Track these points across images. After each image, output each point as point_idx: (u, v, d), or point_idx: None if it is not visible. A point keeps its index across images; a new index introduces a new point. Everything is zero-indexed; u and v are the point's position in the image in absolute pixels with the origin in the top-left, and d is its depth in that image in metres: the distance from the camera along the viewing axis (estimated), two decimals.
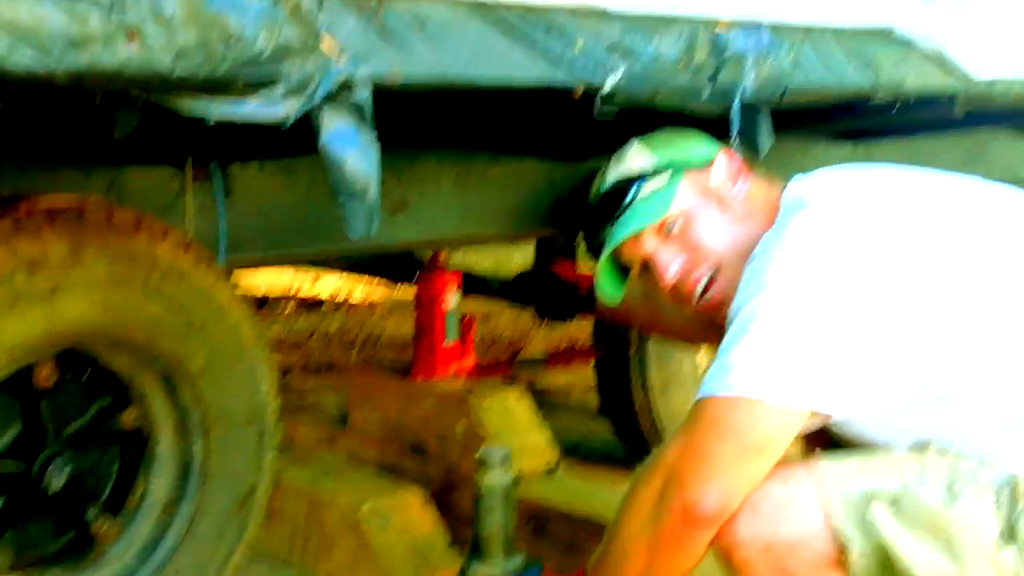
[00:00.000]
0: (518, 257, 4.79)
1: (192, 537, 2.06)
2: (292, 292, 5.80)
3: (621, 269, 1.97)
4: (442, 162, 2.76)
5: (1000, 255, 1.70)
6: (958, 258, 1.68)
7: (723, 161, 1.91)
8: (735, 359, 1.60)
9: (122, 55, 1.13)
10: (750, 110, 1.95)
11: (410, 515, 2.55)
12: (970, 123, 3.19)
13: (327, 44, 1.28)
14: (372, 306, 5.63)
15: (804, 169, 3.95)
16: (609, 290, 1.95)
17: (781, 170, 3.69)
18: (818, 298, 1.60)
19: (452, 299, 2.96)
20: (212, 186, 2.27)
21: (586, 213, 2.00)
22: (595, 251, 1.98)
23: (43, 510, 1.95)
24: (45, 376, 1.89)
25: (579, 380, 4.29)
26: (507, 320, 5.28)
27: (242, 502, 2.12)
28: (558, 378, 4.34)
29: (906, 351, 1.64)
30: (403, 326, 5.12)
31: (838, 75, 2.09)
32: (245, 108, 1.26)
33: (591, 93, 1.69)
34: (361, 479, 2.69)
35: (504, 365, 4.12)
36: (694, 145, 1.95)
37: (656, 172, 1.89)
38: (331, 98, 1.31)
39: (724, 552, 1.66)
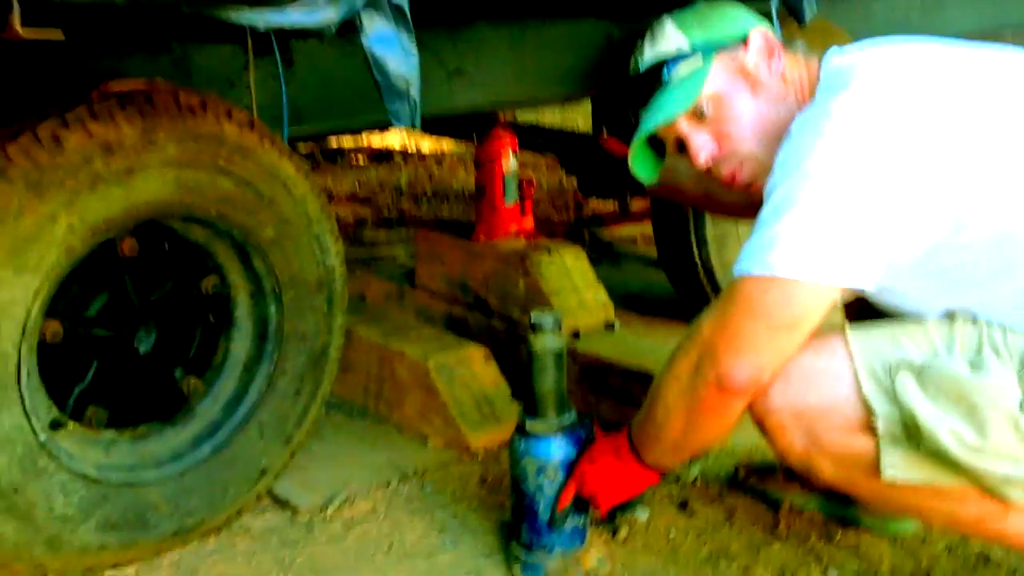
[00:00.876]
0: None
1: (272, 393, 2.24)
2: (363, 144, 5.90)
3: (658, 147, 2.00)
4: (497, 26, 2.78)
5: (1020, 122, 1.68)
6: (994, 135, 1.67)
7: (756, 40, 1.88)
8: (769, 238, 1.64)
9: None
10: None
11: (474, 369, 2.69)
12: None
13: None
14: (440, 158, 5.71)
15: (871, 13, 3.89)
16: (644, 171, 1.99)
17: (850, 14, 3.64)
18: (850, 178, 1.62)
19: (511, 161, 3.02)
20: (274, 60, 2.35)
21: (623, 91, 2.00)
22: (632, 129, 2.01)
23: (134, 372, 2.14)
24: (128, 248, 2.03)
25: (644, 230, 4.36)
26: None
27: (316, 360, 2.28)
28: (623, 229, 4.42)
29: (939, 226, 1.66)
30: (471, 177, 5.21)
31: None
32: (291, 16, 1.33)
33: None
34: (428, 335, 2.83)
35: (563, 225, 4.20)
36: (729, 21, 1.91)
37: (689, 53, 1.88)
38: (371, 3, 1.38)
39: (759, 418, 1.75)
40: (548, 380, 2.05)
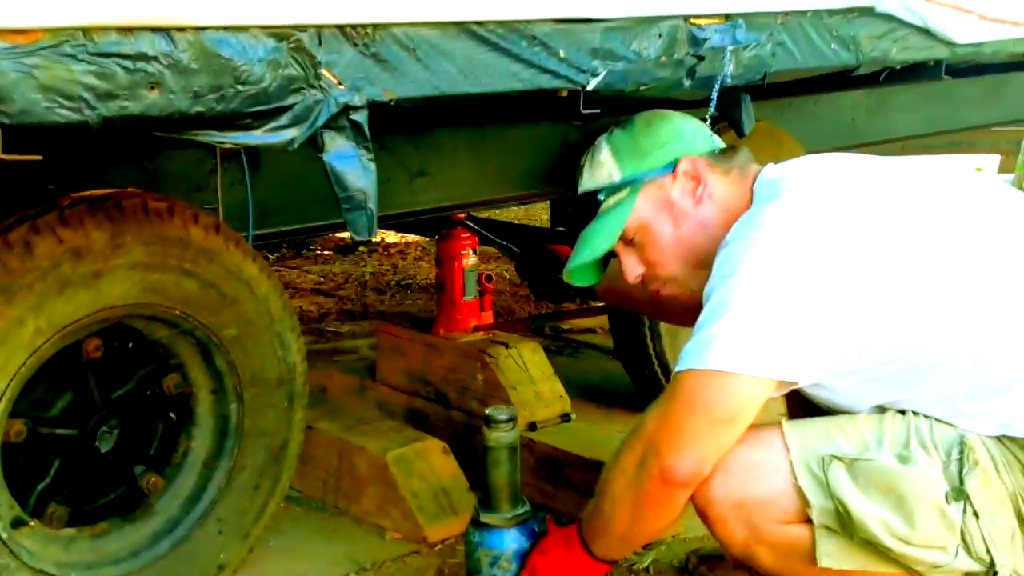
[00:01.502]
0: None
1: (231, 489, 2.28)
2: (329, 236, 5.98)
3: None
4: (457, 129, 2.90)
5: (960, 236, 1.82)
6: (914, 241, 1.79)
7: (683, 169, 1.98)
8: (706, 338, 1.74)
9: (146, 102, 1.30)
10: (733, 94, 2.07)
11: (432, 462, 2.74)
12: (986, 67, 3.25)
13: (326, 76, 1.44)
14: (405, 250, 5.81)
15: (817, 117, 4.04)
16: (582, 279, 2.15)
17: (797, 118, 3.80)
18: (781, 282, 1.73)
19: (471, 258, 3.12)
20: (240, 164, 2.44)
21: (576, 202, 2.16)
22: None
23: (95, 470, 2.17)
24: (92, 349, 2.08)
25: (603, 321, 4.45)
26: None
27: (275, 456, 2.33)
28: (583, 320, 4.50)
29: (869, 325, 1.75)
30: (435, 271, 5.31)
31: (819, 55, 2.21)
32: (256, 136, 1.43)
33: (577, 92, 1.83)
34: (388, 428, 2.88)
35: (521, 321, 4.28)
36: (660, 147, 2.00)
37: (618, 184, 2.02)
38: (331, 122, 1.48)
39: (701, 509, 1.84)
40: (502, 473, 2.12)
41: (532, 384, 2.97)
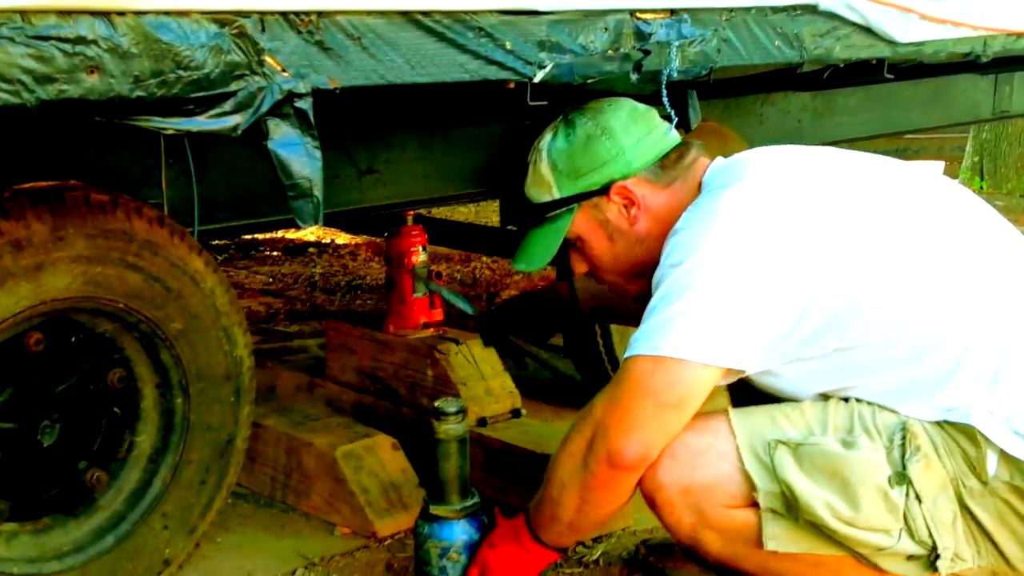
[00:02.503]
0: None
1: (177, 484, 2.26)
2: (278, 237, 5.95)
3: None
4: (407, 127, 2.90)
5: (907, 227, 1.87)
6: (867, 231, 1.83)
7: (620, 189, 2.04)
8: (656, 324, 1.78)
9: (85, 85, 1.29)
10: (679, 89, 2.09)
11: (382, 457, 2.74)
12: (930, 70, 3.32)
13: (270, 62, 1.44)
14: (355, 251, 5.79)
15: (764, 118, 4.09)
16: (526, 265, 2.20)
17: (744, 119, 3.84)
18: (734, 267, 1.77)
19: (420, 255, 3.12)
20: (185, 159, 2.42)
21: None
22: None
23: (37, 464, 2.14)
24: (34, 343, 2.06)
25: None
26: (487, 262, 5.45)
27: (222, 451, 2.32)
28: None
29: (817, 316, 1.79)
30: (384, 270, 5.29)
31: (764, 52, 2.24)
32: (199, 122, 1.42)
33: (524, 84, 1.84)
34: (337, 424, 2.87)
35: (476, 316, 4.28)
36: (599, 166, 2.03)
37: (557, 201, 2.08)
38: (276, 109, 1.48)
39: (649, 494, 1.86)
40: (452, 465, 2.13)
41: (482, 380, 2.98)
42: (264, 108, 1.47)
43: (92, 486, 2.19)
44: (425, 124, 2.94)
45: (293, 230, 5.95)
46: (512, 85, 1.84)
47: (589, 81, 1.93)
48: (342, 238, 5.88)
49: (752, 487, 1.79)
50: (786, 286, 1.78)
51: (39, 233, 1.94)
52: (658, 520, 1.90)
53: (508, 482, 2.78)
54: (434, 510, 2.14)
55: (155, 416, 2.25)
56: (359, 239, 5.87)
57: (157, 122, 1.41)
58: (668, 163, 2.04)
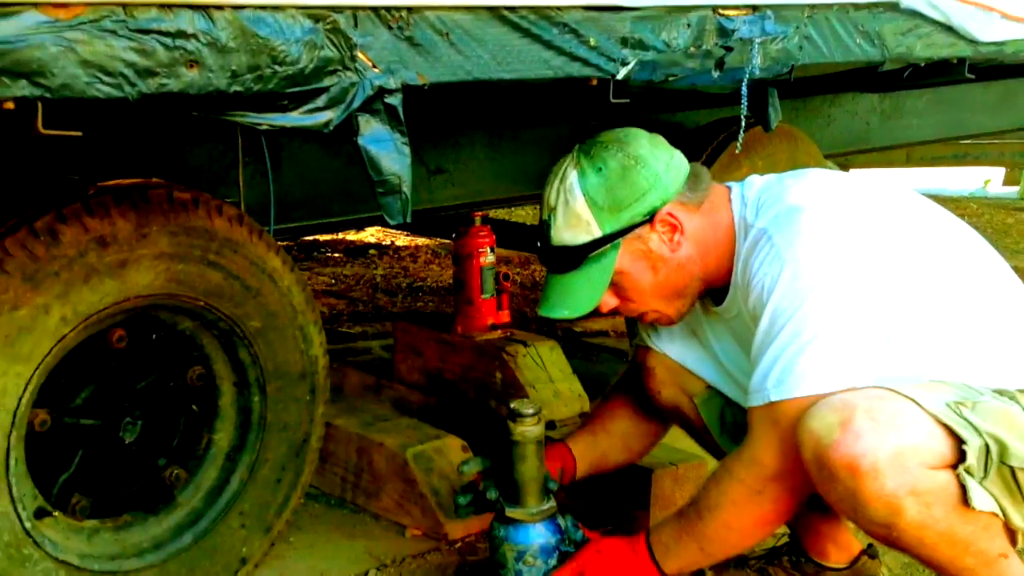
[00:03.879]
0: None
1: (254, 482, 2.27)
2: (339, 239, 5.99)
3: None
4: (475, 129, 2.91)
5: (936, 243, 1.96)
6: (914, 247, 1.91)
7: (661, 220, 2.00)
8: (809, 362, 1.82)
9: (185, 80, 1.30)
10: (759, 87, 2.07)
11: (452, 459, 2.73)
12: (1002, 72, 3.27)
13: (362, 58, 1.44)
14: (415, 253, 5.80)
15: (832, 119, 4.04)
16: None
17: (812, 121, 3.80)
18: (852, 295, 1.83)
19: (489, 255, 3.11)
20: (261, 159, 2.44)
21: (538, 242, 2.10)
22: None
23: (118, 461, 2.16)
24: (117, 339, 2.08)
25: (616, 324, 4.45)
26: None
27: (297, 450, 2.33)
28: (596, 323, 4.50)
29: (900, 321, 1.86)
30: (446, 272, 5.30)
31: (845, 49, 2.21)
32: (292, 118, 1.43)
33: (606, 80, 1.82)
34: (406, 425, 2.87)
35: (536, 319, 4.28)
36: (640, 196, 1.98)
37: (599, 240, 1.99)
38: (367, 105, 1.48)
39: (848, 463, 1.74)
40: (528, 468, 2.11)
41: (551, 383, 2.97)
42: (356, 104, 1.47)
43: (171, 483, 2.20)
44: (494, 124, 2.94)
45: (354, 232, 5.99)
46: (595, 82, 1.83)
47: (671, 78, 1.91)
48: (402, 240, 5.90)
49: (960, 441, 1.74)
50: (886, 301, 1.85)
51: (123, 230, 1.95)
52: (838, 495, 1.79)
53: (576, 488, 2.76)
54: (510, 513, 2.12)
55: (233, 414, 2.27)
56: (419, 241, 5.89)
57: (252, 117, 1.42)
58: (692, 184, 2.03)
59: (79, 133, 1.37)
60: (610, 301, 2.07)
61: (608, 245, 1.99)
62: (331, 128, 1.48)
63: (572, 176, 1.99)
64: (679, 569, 2.03)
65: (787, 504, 1.92)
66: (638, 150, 1.99)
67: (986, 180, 9.52)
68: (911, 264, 1.89)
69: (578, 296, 2.03)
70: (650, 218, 1.99)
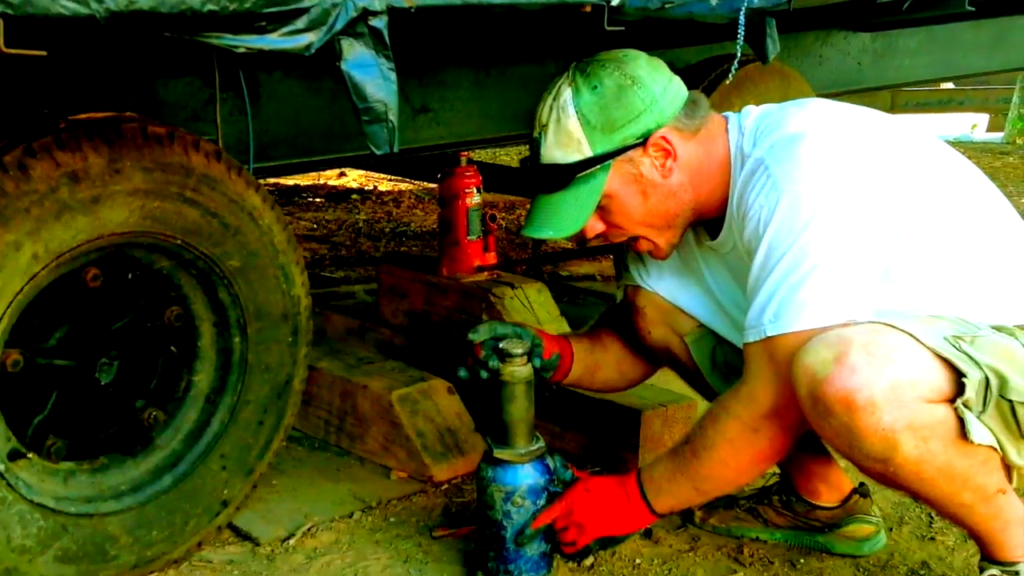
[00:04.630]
0: None
1: (235, 424, 2.22)
2: (321, 183, 5.91)
3: None
4: (461, 66, 2.83)
5: (927, 163, 1.91)
6: (910, 175, 1.86)
7: (654, 143, 1.94)
8: (807, 295, 1.78)
9: None
10: (757, 18, 2.00)
11: (438, 401, 2.69)
12: (991, 11, 3.20)
13: None
14: (398, 198, 5.73)
15: (824, 59, 3.98)
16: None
17: (803, 59, 3.74)
18: (851, 226, 1.78)
19: (475, 196, 3.05)
20: (239, 95, 2.36)
21: (526, 161, 2.04)
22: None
23: (95, 402, 2.11)
24: (91, 278, 2.01)
25: (603, 268, 4.41)
26: None
27: (279, 392, 2.28)
28: (582, 267, 4.46)
29: (899, 254, 1.82)
30: (429, 218, 5.24)
31: None
32: (271, 40, 1.35)
33: (600, 7, 1.75)
34: (391, 368, 2.83)
35: (528, 260, 4.23)
36: (635, 117, 1.92)
37: (589, 160, 1.93)
38: (350, 28, 1.40)
39: (844, 397, 1.70)
40: (517, 408, 2.07)
41: (538, 325, 2.91)
42: (338, 26, 1.39)
43: (149, 425, 2.15)
44: (481, 61, 2.87)
45: (336, 177, 5.92)
46: (589, 8, 1.75)
47: (667, 5, 1.84)
48: (385, 185, 5.83)
49: (959, 375, 1.70)
50: (886, 227, 1.81)
51: (96, 165, 1.89)
52: (833, 431, 1.75)
53: (565, 428, 2.73)
54: (498, 454, 2.08)
55: (212, 355, 2.21)
56: (402, 186, 5.82)
57: (228, 39, 1.34)
58: (689, 110, 1.96)
59: (43, 52, 1.30)
60: (597, 225, 2.00)
61: (598, 166, 1.93)
62: (312, 51, 1.40)
63: (566, 93, 1.93)
64: (670, 508, 2.01)
65: (783, 441, 1.89)
66: (636, 70, 1.93)
67: (972, 125, 9.51)
68: (912, 196, 1.84)
69: (564, 217, 1.96)
70: (643, 141, 1.92)
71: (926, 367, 1.71)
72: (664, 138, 1.93)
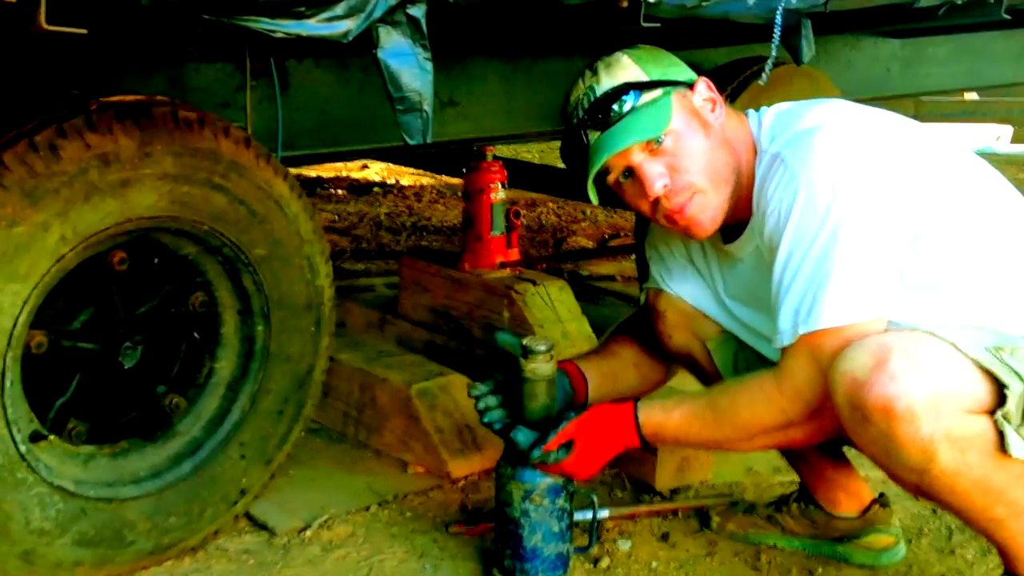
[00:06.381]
0: None
1: (255, 413, 2.22)
2: (343, 176, 5.91)
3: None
4: (490, 60, 2.82)
5: (945, 163, 1.88)
6: (934, 175, 1.84)
7: (704, 86, 1.93)
8: (829, 296, 1.76)
9: None
10: (793, 19, 1.98)
11: (456, 397, 2.68)
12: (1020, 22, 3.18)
13: None
14: (420, 192, 5.72)
15: (852, 64, 3.96)
16: (594, 194, 1.96)
17: (831, 64, 3.71)
18: (876, 220, 1.75)
19: (499, 191, 3.04)
20: (270, 82, 2.36)
21: (568, 115, 1.97)
22: (577, 154, 1.96)
23: (117, 387, 2.11)
24: (117, 262, 2.01)
25: (623, 268, 4.39)
26: (553, 208, 5.36)
27: (300, 382, 2.27)
28: (603, 266, 4.44)
29: (918, 246, 1.80)
30: (451, 212, 5.23)
31: None
32: (309, 26, 1.34)
33: (637, 3, 1.74)
34: (411, 362, 2.82)
35: (549, 257, 4.22)
36: (678, 65, 1.95)
37: (649, 84, 1.89)
38: (388, 15, 1.39)
39: (883, 405, 1.68)
40: (538, 406, 2.05)
41: (559, 323, 2.91)
42: (377, 13, 1.38)
43: (171, 411, 2.15)
44: (510, 55, 2.85)
45: (359, 169, 5.91)
46: (625, 3, 1.74)
47: (704, 3, 1.82)
48: (407, 179, 5.82)
49: (1000, 386, 1.68)
50: (906, 225, 1.78)
51: (126, 148, 1.88)
52: (869, 438, 1.74)
53: None
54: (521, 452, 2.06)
55: (235, 343, 2.21)
56: (424, 180, 5.81)
57: (266, 23, 1.33)
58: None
59: (83, 31, 1.29)
60: (662, 176, 1.88)
61: (660, 89, 1.88)
62: (350, 39, 1.39)
63: (608, 59, 1.91)
64: (655, 429, 1.97)
65: (801, 436, 1.88)
66: (658, 55, 1.94)
67: (996, 136, 9.44)
68: (934, 195, 1.81)
69: (638, 131, 1.87)
70: (691, 85, 1.91)
71: (967, 377, 1.69)
72: (709, 85, 1.92)
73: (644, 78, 1.89)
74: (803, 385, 1.82)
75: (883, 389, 1.67)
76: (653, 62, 1.92)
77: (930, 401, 1.66)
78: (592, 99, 1.90)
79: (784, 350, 1.84)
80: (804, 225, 1.77)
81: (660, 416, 1.97)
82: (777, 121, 1.92)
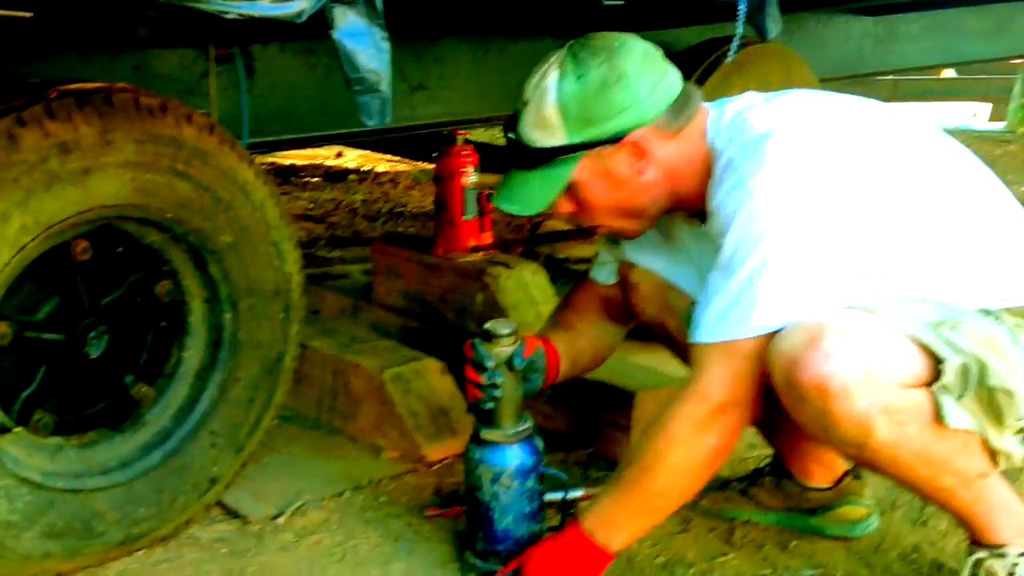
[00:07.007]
0: None
1: (225, 401, 2.21)
2: (318, 163, 5.88)
3: None
4: (460, 42, 2.80)
5: (906, 160, 1.85)
6: (892, 170, 1.82)
7: (629, 143, 1.90)
8: (765, 297, 1.74)
9: None
10: None
11: (430, 380, 2.67)
12: None
13: None
14: (395, 179, 5.70)
15: (824, 43, 3.96)
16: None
17: (802, 42, 3.71)
18: (814, 229, 1.74)
19: (472, 176, 3.03)
20: (234, 68, 2.34)
21: (508, 125, 2.00)
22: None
23: (83, 377, 2.09)
24: (81, 251, 1.99)
25: (599, 249, 4.38)
26: None
27: (270, 369, 2.26)
28: (579, 249, 4.43)
29: (863, 247, 1.79)
30: (426, 198, 5.21)
31: None
32: (261, 6, 1.33)
33: None
34: (384, 347, 2.81)
35: (525, 240, 4.21)
36: (616, 115, 1.88)
37: (563, 147, 1.90)
38: None
39: (817, 383, 1.69)
40: (504, 388, 2.04)
41: (533, 305, 2.91)
42: None
43: (139, 401, 2.14)
44: (479, 36, 2.84)
45: (334, 157, 5.88)
46: None
47: None
48: (382, 166, 5.80)
49: (937, 360, 1.69)
50: (849, 226, 1.77)
51: (87, 136, 1.86)
52: (808, 416, 1.74)
53: (555, 407, 2.71)
54: (485, 435, 2.06)
55: (203, 331, 2.19)
56: (400, 167, 5.79)
57: (218, 4, 1.31)
58: (676, 110, 1.92)
59: (29, 14, 1.27)
60: (566, 206, 1.99)
61: (569, 155, 1.91)
62: (303, 19, 1.38)
63: (552, 77, 1.90)
64: (626, 540, 1.95)
65: (734, 434, 1.86)
66: (627, 65, 1.88)
67: (973, 114, 9.48)
68: (888, 187, 1.80)
69: (531, 195, 1.96)
70: (617, 140, 1.90)
71: (903, 352, 1.70)
72: (637, 141, 1.90)
73: (561, 140, 1.90)
74: (721, 389, 1.81)
75: (817, 367, 1.68)
76: (580, 119, 1.88)
77: (864, 377, 1.67)
78: (515, 130, 1.97)
79: (697, 352, 1.84)
80: (743, 231, 1.77)
81: (625, 532, 1.94)
82: (735, 120, 1.90)
